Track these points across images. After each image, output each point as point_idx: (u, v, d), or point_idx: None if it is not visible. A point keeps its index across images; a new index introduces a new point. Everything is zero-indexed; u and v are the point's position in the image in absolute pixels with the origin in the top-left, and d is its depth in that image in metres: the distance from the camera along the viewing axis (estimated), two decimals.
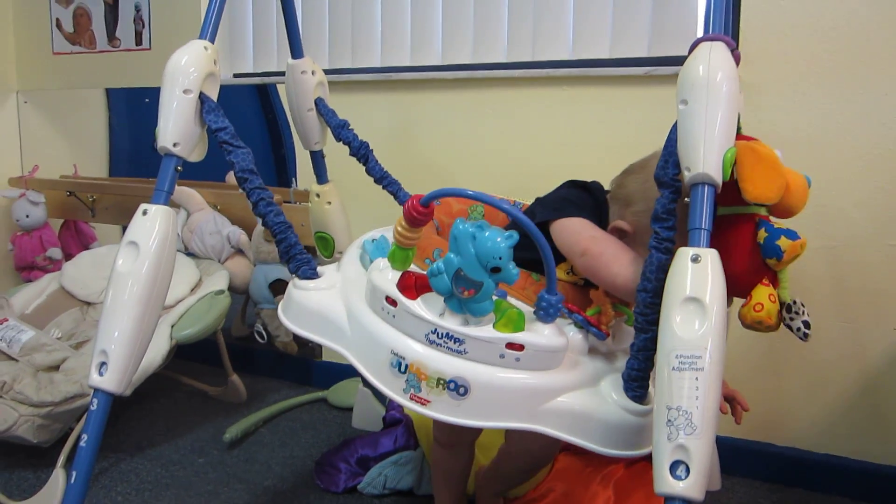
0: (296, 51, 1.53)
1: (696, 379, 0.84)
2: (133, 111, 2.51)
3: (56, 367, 1.74)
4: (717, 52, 0.93)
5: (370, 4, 2.08)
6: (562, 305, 0.98)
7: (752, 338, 1.67)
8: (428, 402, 0.97)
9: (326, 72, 1.62)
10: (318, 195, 1.66)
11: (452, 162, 1.98)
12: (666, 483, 0.83)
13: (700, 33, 1.65)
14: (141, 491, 1.67)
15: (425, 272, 0.97)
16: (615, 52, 1.80)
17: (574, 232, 1.09)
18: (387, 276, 1.03)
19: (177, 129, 1.22)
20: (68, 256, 2.32)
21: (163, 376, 2.18)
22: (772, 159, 0.97)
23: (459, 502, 1.49)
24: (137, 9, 2.41)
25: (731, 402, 1.30)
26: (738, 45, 1.30)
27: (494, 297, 0.96)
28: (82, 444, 1.15)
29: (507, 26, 1.92)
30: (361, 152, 1.50)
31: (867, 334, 1.63)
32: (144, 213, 1.21)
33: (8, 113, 2.63)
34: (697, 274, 0.88)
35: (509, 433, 1.42)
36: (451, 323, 0.96)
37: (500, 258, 0.90)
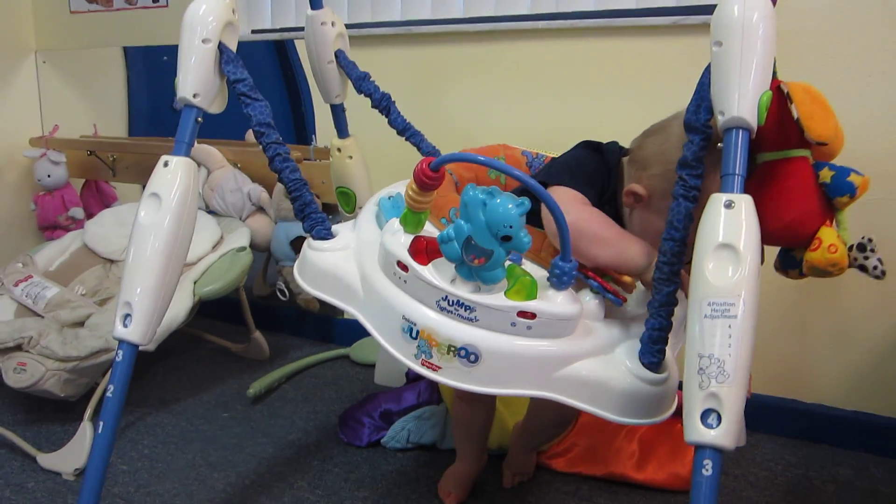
0: (315, 1, 1.50)
1: (730, 327, 0.83)
2: (151, 70, 2.49)
3: (81, 324, 1.76)
4: None
5: None
6: (577, 272, 0.95)
7: (777, 293, 1.65)
8: (439, 367, 0.97)
9: (346, 26, 1.59)
10: (339, 149, 1.64)
11: (475, 116, 1.94)
12: (696, 431, 0.82)
13: None
14: (167, 444, 1.69)
15: (440, 233, 0.96)
16: (642, 1, 1.75)
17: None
18: (399, 240, 1.01)
19: (196, 79, 1.20)
20: (90, 216, 2.33)
21: (186, 334, 2.20)
22: (823, 99, 0.96)
23: (481, 456, 1.50)
24: None
25: None
26: None
27: (508, 262, 0.94)
28: (108, 394, 1.16)
29: None
30: (383, 104, 1.48)
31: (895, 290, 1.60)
32: (166, 164, 1.20)
33: (27, 73, 2.62)
34: (731, 220, 0.86)
35: None
36: (462, 290, 0.95)
37: (511, 227, 0.88)
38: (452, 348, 0.96)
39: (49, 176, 2.41)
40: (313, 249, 1.19)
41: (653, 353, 0.96)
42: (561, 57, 1.82)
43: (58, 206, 2.44)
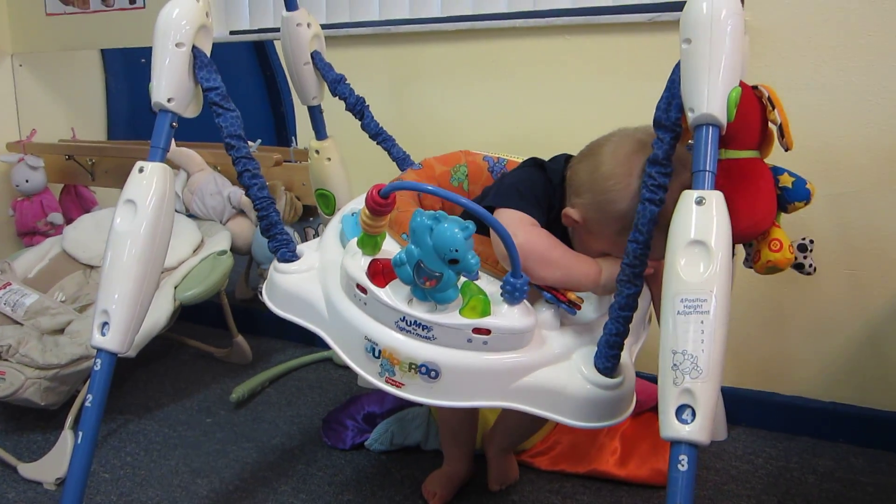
0: (290, 3, 1.49)
1: (702, 322, 0.83)
2: (130, 72, 2.47)
3: (61, 331, 1.74)
4: None
5: None
6: (528, 286, 0.97)
7: (754, 287, 1.67)
8: (402, 384, 1.01)
9: (324, 27, 1.59)
10: (317, 151, 1.64)
11: (454, 115, 1.95)
12: (672, 427, 0.83)
13: None
14: (150, 451, 1.68)
15: (393, 257, 0.98)
16: None
17: (504, 225, 1.05)
18: (357, 263, 1.04)
19: (170, 84, 1.20)
20: (69, 221, 2.30)
21: (168, 339, 2.19)
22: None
23: (468, 459, 1.50)
24: None
25: None
26: None
27: (463, 279, 0.97)
28: (87, 404, 1.16)
29: None
30: (357, 108, 1.49)
31: (872, 282, 1.61)
32: (141, 170, 1.20)
33: (3, 76, 2.60)
34: (702, 216, 0.87)
35: None
36: (419, 311, 0.98)
37: (457, 250, 0.91)
38: (413, 366, 0.99)
39: (27, 181, 2.38)
40: (279, 272, 1.22)
41: (608, 359, 0.99)
42: (539, 55, 1.82)
43: (36, 212, 2.42)
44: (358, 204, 1.26)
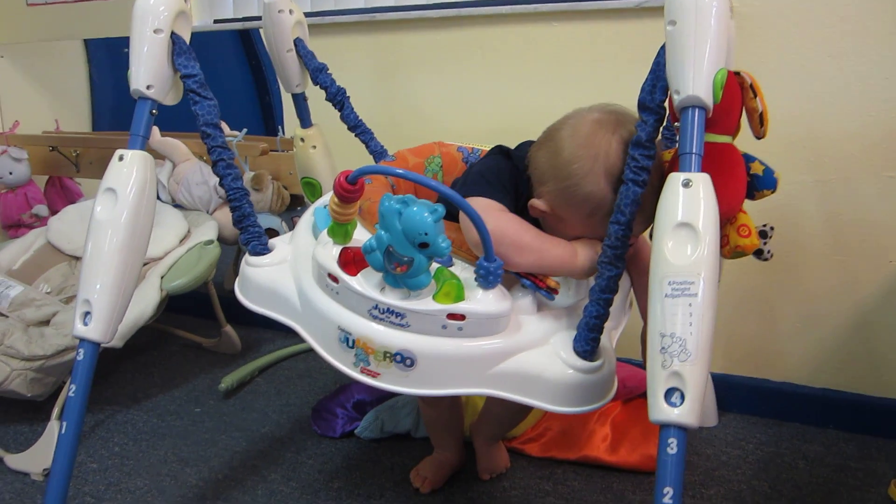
0: None
1: (690, 305, 0.83)
2: (114, 62, 2.44)
3: (46, 322, 1.72)
4: None
5: None
6: (502, 270, 0.96)
7: (744, 274, 1.67)
8: (378, 374, 1.00)
9: (308, 15, 1.57)
10: (302, 139, 1.62)
11: (438, 103, 1.93)
12: (660, 410, 0.83)
13: None
14: (138, 441, 1.68)
15: (363, 244, 0.97)
16: None
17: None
18: (329, 252, 1.03)
19: (149, 71, 1.18)
20: (54, 213, 2.28)
21: (156, 330, 2.18)
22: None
23: (457, 443, 1.50)
24: None
25: None
26: None
27: (436, 265, 0.96)
28: (70, 394, 1.14)
29: None
30: (338, 98, 1.48)
31: (860, 267, 1.61)
32: (121, 158, 1.19)
33: None
34: (689, 199, 0.86)
35: None
36: (392, 298, 0.97)
37: (427, 234, 0.89)
38: (388, 354, 0.98)
39: (11, 173, 2.35)
40: (250, 266, 1.21)
41: (587, 342, 0.98)
42: (526, 42, 1.80)
43: (21, 204, 2.39)
44: (328, 198, 1.25)
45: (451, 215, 0.96)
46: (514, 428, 1.56)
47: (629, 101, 1.10)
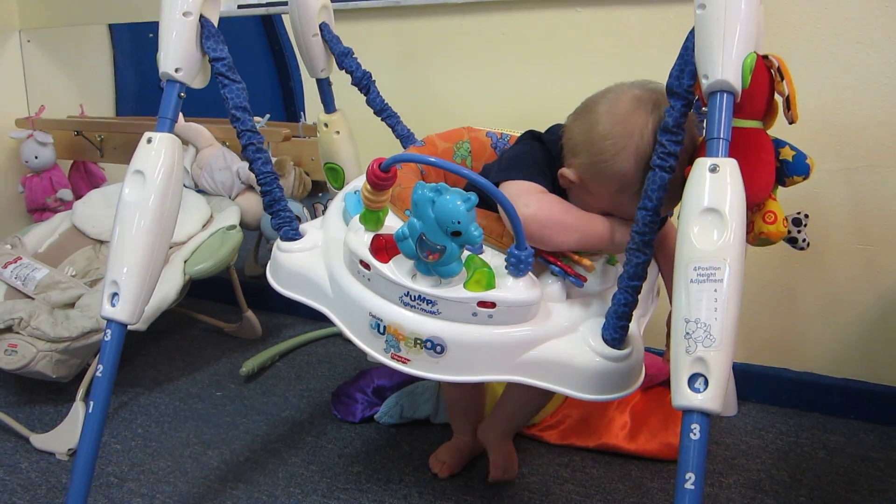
0: None
1: (715, 291, 0.82)
2: (138, 47, 2.46)
3: (71, 305, 1.75)
4: None
5: None
6: (537, 257, 0.97)
7: (766, 263, 1.65)
8: (408, 360, 1.01)
9: (333, 0, 1.57)
10: (325, 125, 1.62)
11: (463, 89, 1.93)
12: (684, 396, 0.83)
13: None
14: (160, 423, 1.70)
15: (396, 231, 0.97)
16: None
17: (514, 196, 1.00)
18: (361, 239, 1.04)
19: (178, 53, 1.19)
20: (78, 197, 2.31)
21: (178, 314, 2.20)
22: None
23: (475, 429, 1.50)
24: None
25: None
26: None
27: (467, 253, 0.96)
28: (98, 374, 1.16)
29: None
30: (364, 82, 1.48)
31: (884, 257, 1.59)
32: (149, 140, 1.19)
33: (11, 53, 2.59)
34: (716, 184, 0.86)
35: None
36: (423, 285, 0.98)
37: (459, 222, 0.90)
38: (419, 341, 0.99)
39: (36, 157, 2.38)
40: (282, 251, 1.22)
41: (616, 329, 0.98)
42: (550, 28, 1.80)
43: (46, 188, 2.42)
44: (360, 182, 1.25)
45: (484, 202, 0.96)
46: (528, 421, 1.56)
47: None
